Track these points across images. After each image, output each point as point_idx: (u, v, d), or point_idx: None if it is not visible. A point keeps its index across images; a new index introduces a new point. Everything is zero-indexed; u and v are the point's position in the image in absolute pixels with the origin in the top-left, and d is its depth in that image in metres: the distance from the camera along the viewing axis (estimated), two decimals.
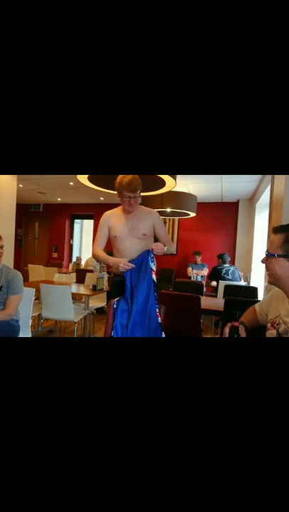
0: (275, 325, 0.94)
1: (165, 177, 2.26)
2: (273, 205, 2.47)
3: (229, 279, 3.82)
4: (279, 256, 0.86)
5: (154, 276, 1.46)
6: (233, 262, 5.23)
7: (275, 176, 2.46)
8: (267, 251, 0.91)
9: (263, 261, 0.93)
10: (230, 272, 3.90)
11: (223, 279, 3.82)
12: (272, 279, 0.91)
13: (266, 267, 0.92)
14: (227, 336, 0.96)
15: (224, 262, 4.02)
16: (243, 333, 0.99)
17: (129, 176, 1.49)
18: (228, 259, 4.12)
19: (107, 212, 1.68)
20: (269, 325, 0.97)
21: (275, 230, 0.91)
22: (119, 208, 1.66)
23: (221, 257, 4.11)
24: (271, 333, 0.95)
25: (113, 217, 1.65)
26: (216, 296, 3.63)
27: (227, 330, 0.97)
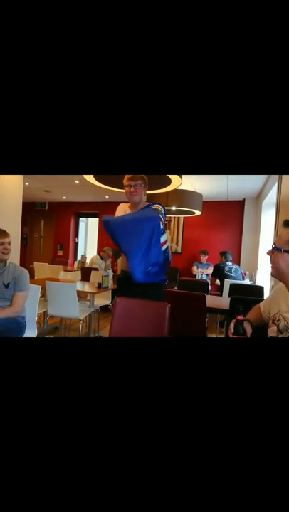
0: (275, 321, 0.94)
1: (171, 175, 2.25)
2: (280, 203, 2.44)
3: (233, 277, 3.80)
4: (285, 251, 0.86)
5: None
6: (238, 261, 5.20)
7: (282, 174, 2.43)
8: (274, 244, 0.91)
9: (268, 253, 0.93)
10: (233, 269, 3.88)
11: (227, 276, 3.80)
12: (275, 272, 0.92)
13: (270, 260, 0.92)
14: (233, 331, 0.95)
15: (227, 260, 4.01)
16: (248, 329, 0.98)
17: None
18: (230, 257, 4.10)
19: (123, 204, 1.76)
20: (270, 322, 0.97)
21: (285, 223, 0.91)
22: (128, 204, 1.72)
23: (224, 254, 4.09)
24: (272, 329, 0.95)
25: (127, 210, 1.71)
26: (221, 295, 3.61)
27: (232, 325, 0.97)
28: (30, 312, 1.90)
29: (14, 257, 3.12)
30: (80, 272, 4.23)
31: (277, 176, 2.65)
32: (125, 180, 1.64)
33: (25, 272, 1.77)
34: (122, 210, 1.72)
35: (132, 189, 1.62)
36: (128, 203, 1.71)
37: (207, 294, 3.04)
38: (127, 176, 1.63)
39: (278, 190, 2.59)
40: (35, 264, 4.65)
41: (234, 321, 0.97)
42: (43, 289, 2.60)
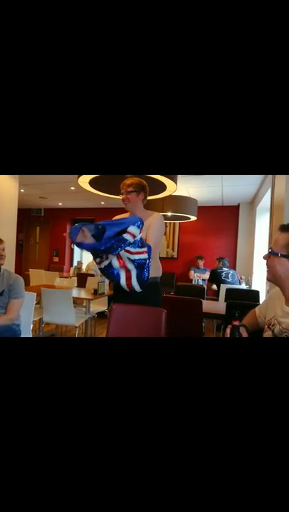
0: (270, 326, 0.93)
1: (166, 181, 2.27)
2: (274, 208, 2.47)
3: (229, 282, 3.81)
4: (282, 256, 0.86)
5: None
6: (234, 266, 5.23)
7: (276, 178, 2.46)
8: (270, 248, 0.91)
9: (264, 257, 0.93)
10: (230, 275, 3.90)
11: (224, 282, 3.81)
12: (271, 276, 0.92)
13: (267, 264, 0.92)
14: (229, 336, 0.95)
15: (224, 266, 4.03)
16: (244, 334, 0.98)
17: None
18: (228, 264, 4.12)
19: (116, 217, 1.69)
20: (266, 326, 0.97)
21: (282, 228, 0.90)
22: (127, 213, 1.68)
23: (221, 260, 4.12)
24: (268, 334, 0.94)
25: None
26: (217, 300, 3.62)
27: (228, 330, 0.97)
28: (25, 319, 1.87)
29: (9, 263, 3.10)
30: (76, 278, 4.21)
31: (271, 181, 2.69)
32: (120, 189, 1.58)
33: (20, 279, 1.75)
34: None
35: (123, 196, 1.56)
36: (126, 212, 1.67)
37: (203, 299, 3.04)
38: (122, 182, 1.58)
39: (272, 195, 2.62)
40: (31, 270, 4.62)
41: (230, 326, 0.97)
42: (39, 296, 2.58)
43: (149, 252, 1.36)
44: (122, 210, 1.67)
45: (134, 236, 1.22)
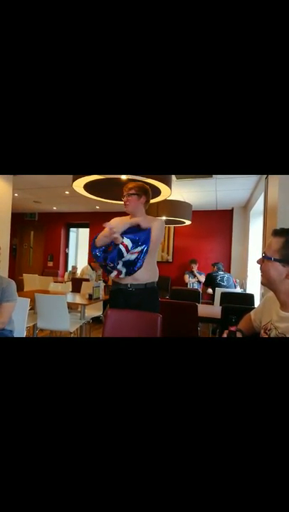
0: (267, 331, 0.93)
1: (160, 185, 2.28)
2: (268, 212, 2.50)
3: (225, 286, 3.83)
4: (275, 260, 0.86)
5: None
6: (228, 269, 5.25)
7: (269, 182, 2.50)
8: (264, 253, 0.91)
9: (258, 262, 0.93)
10: (225, 278, 3.92)
11: (219, 285, 3.83)
12: (265, 280, 0.92)
13: (260, 268, 0.92)
14: None
15: (219, 270, 4.06)
16: None
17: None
18: (222, 268, 4.15)
19: (116, 218, 1.68)
20: (262, 331, 0.97)
21: (275, 232, 0.91)
22: (128, 216, 1.67)
23: (216, 265, 4.15)
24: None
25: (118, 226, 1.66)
26: (212, 304, 3.62)
27: (225, 336, 0.96)
28: (19, 325, 1.84)
29: (3, 268, 3.06)
30: (70, 283, 4.18)
31: (264, 185, 2.73)
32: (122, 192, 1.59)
33: (13, 283, 1.74)
34: (122, 221, 1.64)
35: (125, 198, 1.56)
36: (127, 215, 1.66)
37: (199, 302, 3.04)
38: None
39: (265, 199, 2.65)
40: (25, 275, 4.57)
41: (227, 332, 0.97)
42: (33, 302, 2.54)
43: (144, 253, 1.44)
44: (117, 215, 1.67)
45: (127, 249, 1.41)
